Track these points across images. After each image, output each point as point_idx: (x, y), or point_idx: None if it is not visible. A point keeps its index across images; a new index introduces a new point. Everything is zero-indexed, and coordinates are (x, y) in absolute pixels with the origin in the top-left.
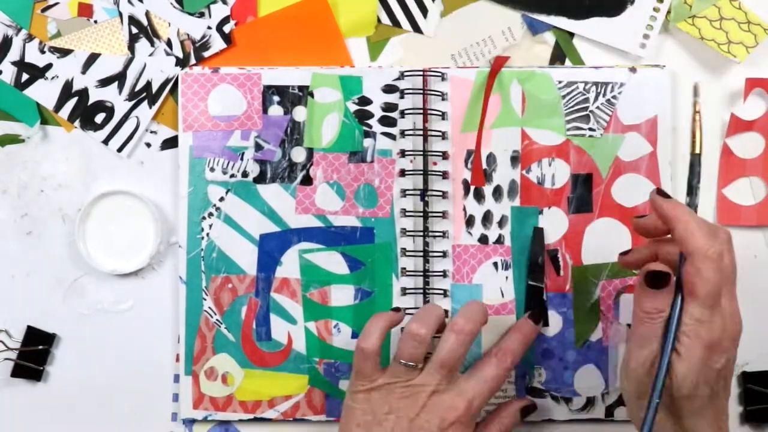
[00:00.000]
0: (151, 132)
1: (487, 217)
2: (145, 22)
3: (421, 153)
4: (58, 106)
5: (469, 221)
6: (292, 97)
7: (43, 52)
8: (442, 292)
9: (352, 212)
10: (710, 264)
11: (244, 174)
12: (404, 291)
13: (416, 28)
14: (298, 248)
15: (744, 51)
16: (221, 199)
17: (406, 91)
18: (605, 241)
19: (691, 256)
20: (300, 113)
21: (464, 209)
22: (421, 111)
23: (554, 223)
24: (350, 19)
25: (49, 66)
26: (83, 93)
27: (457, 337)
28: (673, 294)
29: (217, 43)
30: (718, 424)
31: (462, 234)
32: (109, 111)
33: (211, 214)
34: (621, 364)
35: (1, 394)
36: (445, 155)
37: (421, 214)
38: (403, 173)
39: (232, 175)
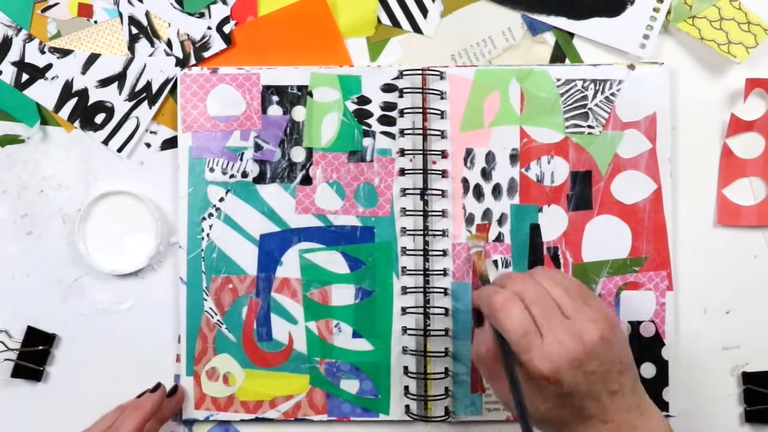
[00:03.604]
0: (151, 132)
1: (486, 215)
2: (145, 23)
3: (421, 152)
4: (58, 106)
5: (469, 219)
6: (291, 97)
7: (43, 52)
8: (442, 290)
9: (352, 211)
10: (507, 308)
11: (244, 174)
12: (404, 290)
13: (416, 29)
14: (299, 248)
15: (744, 51)
16: (221, 200)
17: (405, 90)
18: (605, 238)
19: (492, 312)
20: (299, 113)
21: (464, 207)
22: (421, 110)
23: (554, 221)
24: (350, 19)
25: (49, 66)
26: (83, 93)
27: None
28: (494, 337)
29: (217, 44)
30: (601, 420)
31: (462, 232)
32: (109, 111)
33: (211, 215)
34: (473, 347)
35: (1, 394)
36: (444, 154)
37: (421, 212)
38: (402, 172)
39: (232, 176)
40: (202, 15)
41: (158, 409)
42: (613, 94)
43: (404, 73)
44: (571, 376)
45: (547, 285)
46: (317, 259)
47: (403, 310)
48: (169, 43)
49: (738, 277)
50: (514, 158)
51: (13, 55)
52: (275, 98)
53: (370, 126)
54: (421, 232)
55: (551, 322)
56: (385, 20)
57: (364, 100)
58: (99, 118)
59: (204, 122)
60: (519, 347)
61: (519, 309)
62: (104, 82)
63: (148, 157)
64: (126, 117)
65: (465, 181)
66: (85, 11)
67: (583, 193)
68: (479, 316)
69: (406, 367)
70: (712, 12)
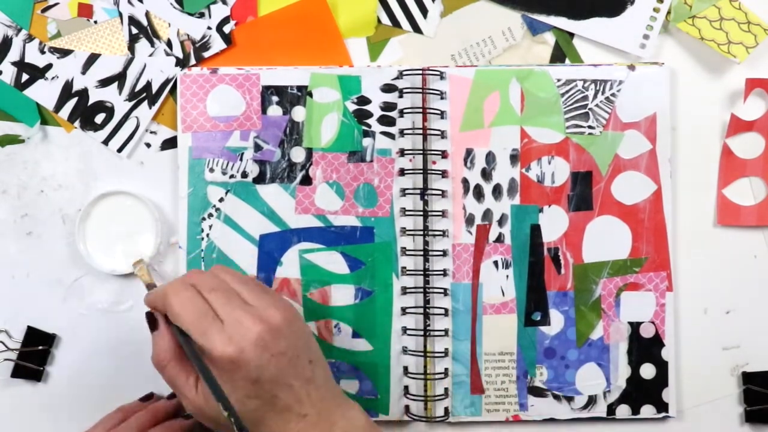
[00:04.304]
0: (151, 132)
1: (487, 216)
2: (145, 23)
3: (421, 152)
4: (58, 106)
5: (469, 220)
6: (291, 97)
7: (43, 52)
8: (442, 290)
9: (352, 212)
10: (179, 293)
11: (244, 174)
12: (404, 290)
13: (416, 29)
14: (298, 248)
15: (744, 51)
16: (221, 200)
17: (404, 90)
18: (606, 238)
19: (165, 300)
20: (299, 113)
21: (464, 208)
22: (420, 110)
23: (554, 222)
24: (350, 19)
25: (49, 66)
26: (83, 93)
27: None
28: (169, 334)
29: (217, 44)
30: (297, 413)
31: (462, 233)
32: (109, 111)
33: (210, 215)
34: (152, 356)
35: (1, 394)
36: (444, 154)
37: (421, 213)
38: (402, 172)
39: (232, 176)
40: (202, 15)
41: (169, 418)
42: (613, 95)
43: (404, 73)
44: (257, 357)
45: (226, 277)
46: (317, 259)
47: (403, 311)
48: (169, 43)
49: (738, 277)
50: (514, 158)
51: (13, 55)
52: (275, 98)
53: (369, 126)
54: (421, 233)
55: (231, 307)
56: (385, 20)
57: (363, 101)
58: (99, 118)
59: (204, 122)
60: (197, 332)
61: (193, 293)
62: (104, 82)
63: (148, 157)
64: (126, 117)
65: (465, 182)
66: (85, 11)
67: (583, 193)
68: (153, 320)
69: (405, 368)
70: (712, 12)
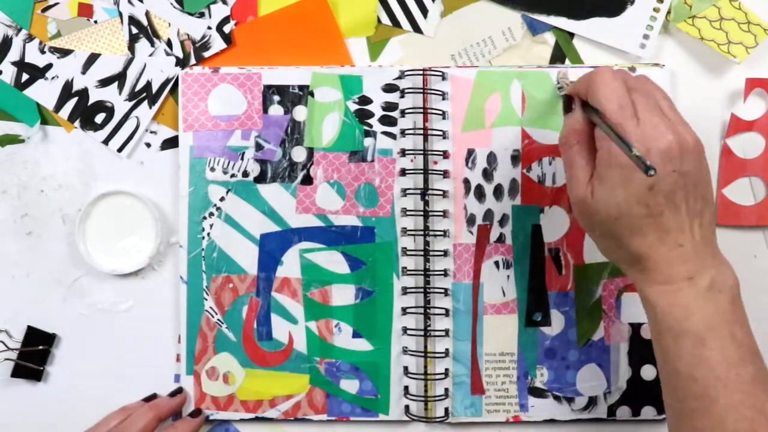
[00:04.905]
0: (151, 132)
1: (488, 216)
2: (145, 22)
3: (422, 152)
4: (58, 106)
5: (470, 220)
6: (293, 96)
7: (43, 52)
8: (442, 291)
9: (353, 212)
10: (608, 81)
11: (245, 174)
12: (405, 290)
13: (416, 28)
14: (299, 248)
15: (744, 51)
16: (222, 199)
17: (406, 91)
18: None
19: (591, 84)
20: (300, 113)
21: (465, 208)
22: (422, 110)
23: (555, 222)
24: (350, 19)
25: (49, 66)
26: (83, 93)
27: None
28: (583, 119)
29: (217, 43)
30: (675, 240)
31: (463, 233)
32: (109, 111)
33: (211, 214)
34: (571, 201)
35: (1, 394)
36: (445, 154)
37: (422, 213)
38: (403, 172)
39: (233, 175)
40: (202, 15)
41: (172, 415)
42: None
43: (405, 73)
44: (660, 164)
45: (651, 87)
46: (317, 259)
47: (404, 311)
48: (169, 43)
49: (738, 277)
50: (515, 159)
51: (13, 55)
52: (276, 98)
53: (371, 126)
54: (422, 233)
55: (651, 112)
56: (385, 20)
57: (365, 100)
58: (99, 118)
59: (205, 121)
60: (613, 121)
61: (620, 86)
62: (104, 82)
63: (148, 157)
64: (126, 117)
65: (466, 182)
66: (85, 11)
67: None
68: (569, 103)
69: (406, 368)
70: (712, 12)
